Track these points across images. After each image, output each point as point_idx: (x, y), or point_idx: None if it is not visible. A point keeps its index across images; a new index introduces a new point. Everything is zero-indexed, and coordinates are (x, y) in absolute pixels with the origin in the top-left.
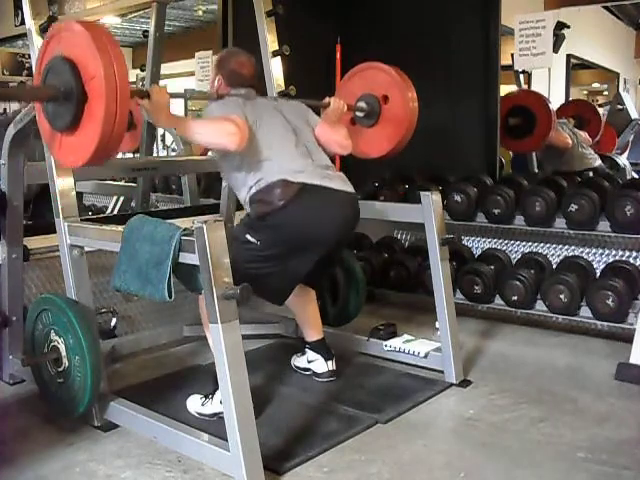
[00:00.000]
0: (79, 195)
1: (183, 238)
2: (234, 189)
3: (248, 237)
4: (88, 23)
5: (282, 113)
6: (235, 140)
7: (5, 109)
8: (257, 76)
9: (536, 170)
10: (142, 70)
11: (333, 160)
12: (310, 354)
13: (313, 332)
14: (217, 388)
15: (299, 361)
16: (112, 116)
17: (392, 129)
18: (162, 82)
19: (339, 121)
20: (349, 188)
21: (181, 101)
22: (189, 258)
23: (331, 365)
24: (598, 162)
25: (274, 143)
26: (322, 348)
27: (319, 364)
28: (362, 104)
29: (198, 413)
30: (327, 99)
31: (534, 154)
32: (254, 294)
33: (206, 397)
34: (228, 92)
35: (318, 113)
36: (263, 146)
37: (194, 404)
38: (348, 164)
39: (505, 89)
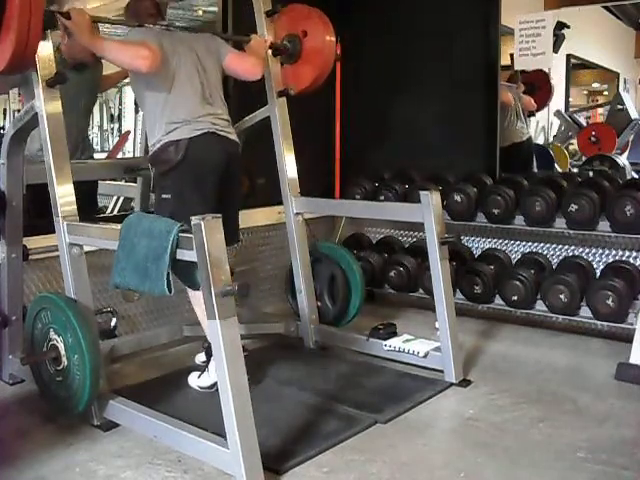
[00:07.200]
0: None
1: (181, 235)
2: (148, 133)
3: (163, 196)
4: None
5: (196, 52)
6: (146, 64)
7: (5, 109)
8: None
9: (535, 170)
10: None
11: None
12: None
13: None
14: (210, 358)
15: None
16: (25, 27)
17: (312, 63)
18: None
19: (260, 56)
20: (232, 136)
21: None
22: (187, 255)
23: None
24: (527, 136)
25: (181, 83)
26: None
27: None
28: (285, 42)
29: (199, 387)
30: (249, 36)
31: (534, 153)
32: None
33: (202, 371)
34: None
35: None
36: (171, 81)
37: (193, 380)
38: (348, 162)
39: None
